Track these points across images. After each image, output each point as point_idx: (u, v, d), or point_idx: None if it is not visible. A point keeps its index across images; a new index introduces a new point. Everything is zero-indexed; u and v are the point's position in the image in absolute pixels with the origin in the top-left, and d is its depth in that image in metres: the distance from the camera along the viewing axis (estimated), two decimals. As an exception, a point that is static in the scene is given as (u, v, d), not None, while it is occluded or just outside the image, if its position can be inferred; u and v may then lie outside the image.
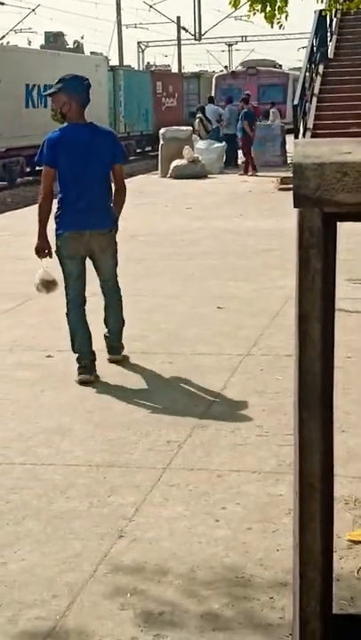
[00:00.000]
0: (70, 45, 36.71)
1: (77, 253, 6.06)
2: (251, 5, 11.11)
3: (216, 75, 43.93)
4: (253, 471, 4.45)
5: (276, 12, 11.02)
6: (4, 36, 44.92)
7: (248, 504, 4.09)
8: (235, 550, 3.68)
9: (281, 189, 16.94)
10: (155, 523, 3.94)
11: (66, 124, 6.17)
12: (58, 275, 6.26)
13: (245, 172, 21.59)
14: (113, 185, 6.23)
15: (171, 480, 4.37)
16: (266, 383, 5.80)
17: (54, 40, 35.76)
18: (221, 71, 49.37)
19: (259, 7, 11.04)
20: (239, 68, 43.98)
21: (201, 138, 23.53)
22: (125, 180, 6.46)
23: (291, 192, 1.97)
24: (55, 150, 6.01)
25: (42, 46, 35.33)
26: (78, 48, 36.76)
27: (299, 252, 2.05)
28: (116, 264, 6.25)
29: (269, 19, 11.14)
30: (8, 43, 38.82)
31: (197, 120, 24.62)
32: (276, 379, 5.85)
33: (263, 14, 11.17)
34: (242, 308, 7.89)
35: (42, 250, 6.18)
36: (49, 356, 6.57)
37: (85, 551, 3.71)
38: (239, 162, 23.67)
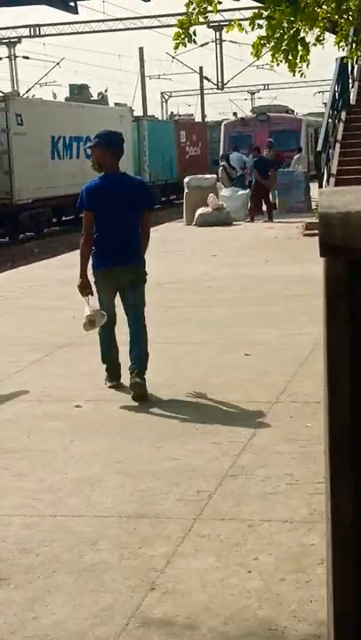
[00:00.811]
0: (95, 97, 37.23)
1: (110, 287, 6.88)
2: (273, 55, 11.23)
3: (225, 122, 41.75)
4: (285, 520, 4.40)
5: (298, 61, 11.13)
6: (29, 90, 45.68)
7: (280, 554, 4.05)
8: (268, 602, 3.63)
9: (306, 235, 16.97)
10: (186, 574, 3.90)
11: (102, 174, 6.92)
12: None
13: (252, 219, 21.70)
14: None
15: (202, 531, 4.33)
16: (295, 431, 5.76)
17: (79, 92, 36.29)
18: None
19: (281, 57, 11.15)
20: (249, 114, 42.32)
21: (225, 186, 23.68)
22: (151, 229, 7.13)
23: (316, 237, 1.98)
24: (93, 197, 6.81)
25: (67, 99, 35.87)
26: (103, 99, 37.29)
27: (326, 300, 2.05)
28: (144, 299, 6.92)
29: (292, 67, 11.25)
30: (34, 96, 39.41)
31: (221, 168, 24.80)
32: (305, 426, 5.81)
33: (286, 63, 11.28)
34: (269, 355, 7.87)
35: (85, 287, 6.94)
36: (77, 406, 6.57)
37: (117, 604, 3.68)
38: (263, 208, 23.79)
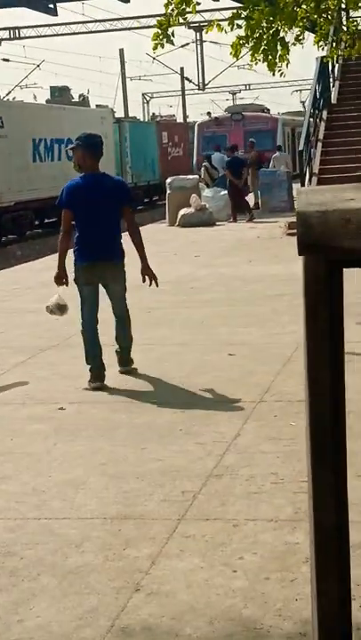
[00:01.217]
0: (76, 99, 37.17)
1: (92, 281, 7.16)
2: (252, 55, 11.23)
3: (198, 122, 40.61)
4: (270, 519, 4.40)
5: (278, 61, 11.13)
6: (9, 92, 45.54)
7: (265, 553, 4.05)
8: (253, 601, 3.63)
9: (289, 234, 17.00)
10: (171, 575, 3.90)
11: (83, 174, 7.27)
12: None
13: (234, 219, 21.78)
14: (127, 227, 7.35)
15: (186, 531, 4.33)
16: (280, 430, 5.76)
17: (60, 94, 36.23)
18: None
19: (261, 57, 11.16)
20: (224, 114, 40.28)
21: (207, 186, 23.69)
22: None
23: (298, 238, 1.98)
24: (72, 196, 7.16)
25: (48, 101, 35.82)
26: (84, 101, 37.21)
27: (305, 299, 2.05)
28: (125, 290, 7.35)
29: (271, 67, 11.25)
30: (14, 98, 39.35)
31: (203, 168, 24.81)
32: (290, 425, 5.82)
33: (265, 63, 11.29)
34: (253, 355, 7.87)
35: (60, 278, 7.28)
36: (61, 409, 6.56)
37: (101, 606, 3.67)
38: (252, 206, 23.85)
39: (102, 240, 7.10)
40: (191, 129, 45.30)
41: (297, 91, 64.36)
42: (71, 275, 7.26)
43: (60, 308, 7.43)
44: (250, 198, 24.42)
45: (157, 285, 7.54)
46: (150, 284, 7.47)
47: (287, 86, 63.09)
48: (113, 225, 7.19)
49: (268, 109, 43.24)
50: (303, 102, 62.67)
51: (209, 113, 40.12)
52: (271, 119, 38.10)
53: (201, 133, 37.57)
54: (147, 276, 7.43)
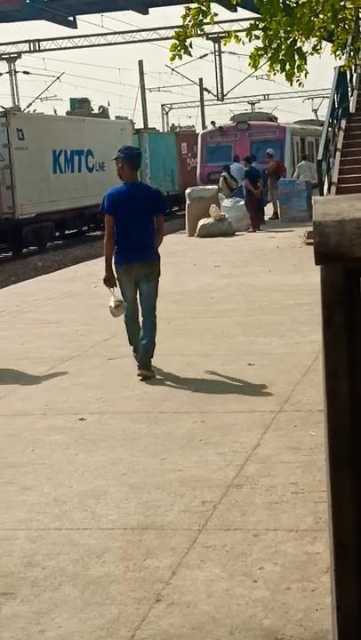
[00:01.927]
0: (96, 111, 37.33)
1: (131, 280, 7.84)
2: (270, 65, 11.25)
3: (202, 132, 37.68)
4: (290, 530, 4.40)
5: (296, 71, 11.15)
6: (30, 104, 45.82)
7: (286, 563, 4.04)
8: (274, 611, 3.63)
9: (308, 244, 16.98)
10: (192, 585, 3.90)
11: (122, 183, 7.96)
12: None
13: (253, 229, 21.81)
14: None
15: (207, 541, 4.33)
16: (300, 439, 5.75)
17: (80, 106, 36.41)
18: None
19: (278, 67, 11.18)
20: (229, 123, 37.58)
21: (226, 196, 23.71)
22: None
23: (316, 247, 1.98)
24: (111, 203, 7.83)
25: (68, 113, 35.99)
26: (103, 113, 37.37)
27: (323, 308, 2.06)
28: (157, 290, 7.93)
29: (289, 77, 11.27)
30: (34, 110, 39.55)
31: (221, 179, 24.82)
32: (310, 434, 5.81)
33: (283, 73, 11.31)
34: (272, 364, 7.87)
35: (109, 281, 7.90)
36: (81, 419, 6.58)
37: (122, 616, 3.67)
38: (266, 218, 23.83)
39: (139, 243, 7.74)
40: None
41: (309, 98, 63.60)
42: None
43: (118, 308, 7.95)
44: (268, 208, 24.44)
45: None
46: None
47: (305, 97, 62.93)
48: (148, 229, 7.85)
49: (276, 118, 40.46)
50: (315, 110, 62.43)
51: (213, 122, 37.79)
52: (279, 128, 35.44)
53: (205, 144, 35.16)
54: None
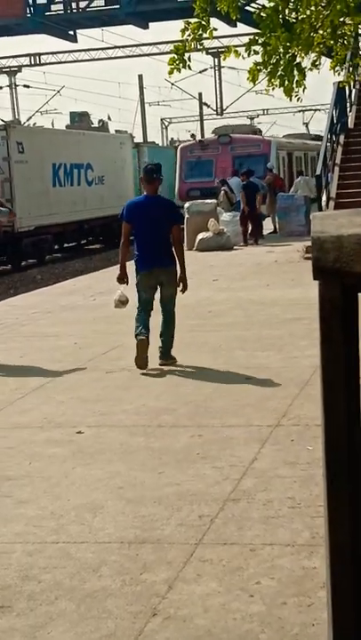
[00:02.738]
0: (95, 124, 37.45)
1: (150, 285, 8.68)
2: (269, 80, 11.32)
3: (180, 145, 35.54)
4: (287, 544, 4.39)
5: (295, 86, 11.21)
6: (30, 118, 45.95)
7: (283, 578, 4.04)
8: (270, 626, 3.62)
9: (306, 258, 17.02)
10: (188, 599, 3.89)
11: (142, 195, 8.98)
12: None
13: (245, 243, 21.85)
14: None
15: (204, 555, 4.32)
16: (297, 454, 5.75)
17: (79, 120, 36.54)
18: (187, 141, 38.68)
19: (278, 82, 11.24)
20: (210, 136, 35.62)
21: (225, 210, 23.75)
22: None
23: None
24: (130, 212, 8.72)
25: (67, 126, 36.10)
26: (103, 127, 37.50)
27: (320, 323, 2.07)
28: (175, 293, 8.76)
29: (288, 92, 11.34)
30: (34, 124, 39.67)
31: (222, 192, 24.86)
32: (307, 449, 5.81)
33: (282, 88, 11.37)
34: (270, 379, 7.87)
35: (121, 278, 8.90)
36: (79, 432, 6.58)
37: (119, 630, 3.67)
38: (266, 232, 23.87)
39: (157, 250, 8.56)
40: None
41: (300, 111, 63.18)
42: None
43: (123, 302, 9.11)
44: (267, 222, 24.48)
45: (183, 292, 8.82)
46: (183, 290, 8.79)
47: (300, 110, 62.83)
48: (165, 238, 8.61)
49: (260, 130, 38.42)
50: (306, 124, 62.32)
51: (193, 135, 35.79)
52: (263, 142, 33.35)
53: (184, 158, 33.07)
54: (182, 283, 8.74)
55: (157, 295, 8.87)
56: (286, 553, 4.30)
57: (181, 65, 10.76)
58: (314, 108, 58.20)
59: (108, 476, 5.56)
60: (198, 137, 35.95)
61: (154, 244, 8.55)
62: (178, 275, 8.71)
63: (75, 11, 34.32)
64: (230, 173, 27.03)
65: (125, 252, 8.79)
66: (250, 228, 22.29)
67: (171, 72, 11.01)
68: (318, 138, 45.05)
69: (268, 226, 24.75)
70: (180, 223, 9.10)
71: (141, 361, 8.37)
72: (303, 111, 61.10)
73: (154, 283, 8.67)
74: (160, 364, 8.60)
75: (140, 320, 8.65)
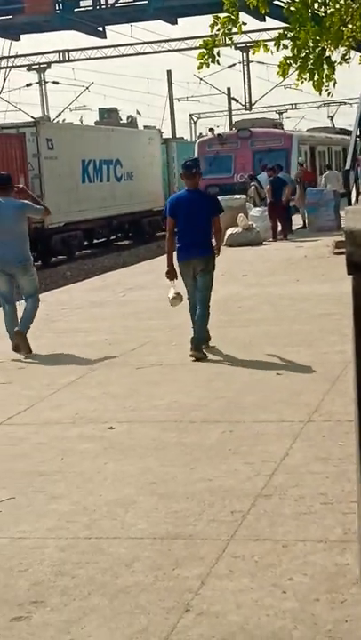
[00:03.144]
0: (124, 120, 37.51)
1: (188, 274, 9.10)
2: (299, 75, 11.28)
3: (199, 140, 34.57)
4: (319, 540, 4.39)
5: (324, 80, 11.16)
6: (59, 114, 46.15)
7: (315, 574, 4.03)
8: (303, 622, 3.62)
9: (336, 253, 16.95)
10: (221, 596, 3.90)
11: (183, 190, 9.39)
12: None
13: (274, 238, 21.78)
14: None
15: (236, 551, 4.33)
16: (329, 450, 5.74)
17: (108, 116, 36.62)
18: (205, 135, 36.99)
19: (307, 76, 11.20)
20: (229, 130, 34.37)
21: (255, 205, 23.70)
22: None
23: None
24: (173, 207, 9.14)
25: (96, 122, 36.19)
26: (132, 123, 37.55)
27: (354, 317, 2.07)
28: (212, 282, 9.12)
29: (318, 86, 11.29)
30: (64, 120, 39.79)
31: (252, 187, 24.80)
32: (339, 445, 5.79)
33: (312, 82, 11.33)
34: (301, 374, 7.86)
35: (170, 274, 9.16)
36: (110, 428, 6.60)
37: (152, 626, 3.68)
38: (294, 227, 23.80)
39: (197, 241, 8.96)
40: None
41: (324, 105, 62.44)
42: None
43: (177, 297, 9.18)
44: (296, 218, 24.40)
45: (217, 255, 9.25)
46: (217, 254, 9.22)
47: (335, 105, 62.48)
48: (205, 230, 9.13)
49: (281, 124, 36.93)
50: (331, 117, 61.70)
51: (211, 129, 34.26)
52: (285, 136, 31.99)
53: (202, 154, 31.45)
54: (217, 250, 9.24)
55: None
56: (319, 549, 4.29)
57: (210, 60, 10.75)
58: (339, 101, 57.76)
59: (140, 472, 5.58)
60: (217, 131, 34.53)
61: (194, 236, 8.95)
62: (214, 264, 9.17)
63: (103, 7, 34.35)
64: (259, 169, 26.73)
65: (171, 247, 9.20)
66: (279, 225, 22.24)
67: (200, 67, 11.01)
68: (344, 131, 43.92)
69: (297, 221, 24.68)
70: (220, 214, 9.38)
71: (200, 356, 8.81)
72: (328, 104, 60.54)
73: (191, 272, 9.09)
74: (189, 355, 8.72)
75: (192, 316, 9.18)
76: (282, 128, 34.69)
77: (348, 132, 41.84)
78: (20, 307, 9.95)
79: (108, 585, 4.08)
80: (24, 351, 9.46)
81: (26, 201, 9.75)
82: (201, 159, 29.48)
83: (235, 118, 52.50)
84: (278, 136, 31.78)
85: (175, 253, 9.12)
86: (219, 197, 10.27)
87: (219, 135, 32.38)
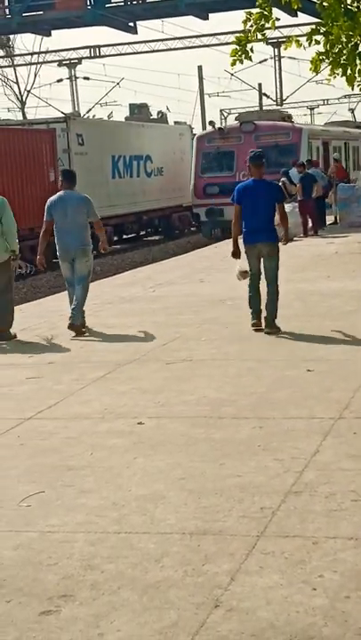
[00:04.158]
0: (154, 116, 37.49)
1: (255, 255, 10.03)
2: (331, 70, 11.22)
3: (197, 135, 31.12)
4: (350, 537, 4.36)
5: (357, 75, 11.10)
6: (90, 110, 46.24)
7: (345, 571, 4.01)
8: (333, 619, 3.60)
9: (368, 249, 16.86)
10: (251, 591, 3.88)
11: (250, 179, 10.23)
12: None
13: (305, 234, 21.67)
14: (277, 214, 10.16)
15: (266, 548, 4.31)
16: (359, 447, 5.70)
17: (139, 111, 36.60)
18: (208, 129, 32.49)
19: (339, 71, 11.14)
20: (232, 123, 30.89)
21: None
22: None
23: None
24: (239, 195, 10.04)
25: (127, 118, 36.21)
26: (162, 118, 37.51)
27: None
28: (278, 265, 10.06)
29: (350, 81, 11.22)
30: (94, 116, 39.87)
31: (281, 184, 24.69)
32: (369, 442, 5.75)
33: (344, 77, 11.26)
34: (332, 370, 7.82)
35: (236, 254, 10.18)
36: (140, 423, 6.60)
37: (181, 621, 3.67)
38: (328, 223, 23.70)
39: (261, 227, 9.83)
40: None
41: (345, 96, 60.79)
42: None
43: (243, 273, 10.28)
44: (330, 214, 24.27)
45: (285, 244, 10.32)
46: (285, 242, 10.28)
47: (351, 96, 61.04)
48: (269, 216, 9.90)
49: (291, 116, 33.04)
50: (352, 110, 60.42)
51: (212, 122, 31.05)
52: (293, 130, 28.66)
53: (201, 149, 28.58)
54: (285, 239, 10.26)
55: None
56: (349, 546, 4.26)
57: (243, 56, 10.72)
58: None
59: (170, 467, 5.57)
60: (218, 125, 30.81)
61: (259, 221, 9.80)
62: (278, 248, 10.07)
63: (135, 2, 34.34)
64: (290, 164, 26.31)
65: (237, 230, 10.10)
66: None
67: (233, 63, 10.99)
68: None
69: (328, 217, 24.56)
70: (283, 200, 10.45)
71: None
72: (349, 96, 59.21)
73: (257, 254, 9.96)
74: (265, 332, 9.68)
75: (252, 294, 10.06)
76: (291, 121, 31.32)
77: None
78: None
79: (137, 580, 4.07)
80: (79, 333, 10.34)
81: (87, 196, 11.02)
82: (199, 156, 28.42)
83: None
84: (286, 129, 28.59)
85: (241, 237, 10.03)
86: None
87: (220, 129, 29.21)
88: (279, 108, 47.18)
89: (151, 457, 5.82)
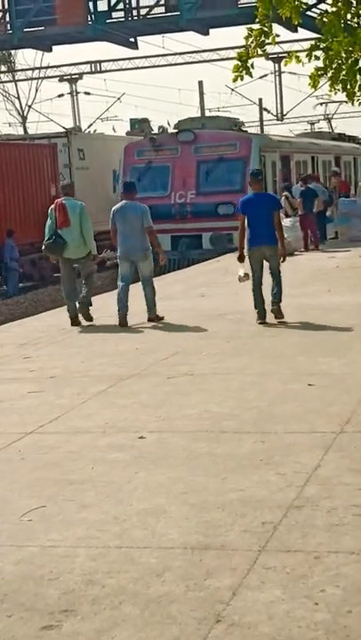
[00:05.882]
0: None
1: (258, 259, 11.46)
2: (331, 85, 11.26)
3: (127, 145, 25.75)
4: (352, 552, 4.35)
5: (356, 90, 11.13)
6: (91, 125, 46.36)
7: (347, 586, 4.00)
8: (335, 634, 3.59)
9: (368, 264, 16.87)
10: (253, 606, 3.87)
11: (252, 193, 11.94)
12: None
13: (306, 248, 21.68)
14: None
15: (267, 562, 4.30)
16: (361, 461, 5.70)
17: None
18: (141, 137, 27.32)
19: (339, 86, 11.18)
20: (169, 131, 25.55)
21: (287, 215, 23.64)
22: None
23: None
24: (244, 206, 11.56)
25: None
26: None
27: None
28: (280, 264, 11.55)
29: (350, 97, 11.26)
30: (95, 131, 39.98)
31: (283, 198, 24.73)
32: (371, 456, 5.75)
33: (344, 93, 11.30)
34: (333, 385, 7.81)
35: (241, 258, 11.58)
36: (141, 437, 6.59)
37: (183, 636, 3.66)
38: (328, 238, 23.72)
39: (264, 233, 11.28)
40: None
41: (321, 104, 58.20)
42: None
43: (245, 276, 11.56)
44: (329, 227, 24.29)
45: (283, 262, 11.62)
46: (283, 260, 11.60)
47: (327, 103, 59.23)
48: (269, 222, 11.34)
49: (243, 124, 27.32)
50: (329, 118, 58.73)
51: (162, 127, 26.45)
52: (241, 140, 23.71)
53: (129, 164, 23.87)
54: (282, 256, 11.59)
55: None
56: (351, 561, 4.25)
57: (245, 72, 10.77)
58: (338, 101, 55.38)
59: (171, 482, 5.56)
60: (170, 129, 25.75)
61: (261, 227, 11.27)
62: (279, 250, 11.40)
63: (135, 18, 34.48)
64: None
65: (243, 238, 11.48)
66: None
67: (235, 80, 11.05)
68: (343, 137, 37.26)
69: (330, 231, 24.58)
70: (279, 209, 11.77)
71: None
72: (326, 104, 56.54)
73: (261, 257, 11.38)
74: (275, 318, 11.23)
75: (256, 297, 11.38)
76: (243, 130, 26.31)
77: (349, 139, 39.56)
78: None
79: (138, 594, 4.06)
80: (157, 319, 12.09)
81: (145, 206, 12.48)
82: (127, 171, 23.38)
83: (266, 129, 51.84)
84: (233, 140, 23.66)
85: (246, 242, 11.37)
86: None
87: (151, 138, 24.41)
88: (229, 113, 42.06)
89: (152, 471, 5.81)
